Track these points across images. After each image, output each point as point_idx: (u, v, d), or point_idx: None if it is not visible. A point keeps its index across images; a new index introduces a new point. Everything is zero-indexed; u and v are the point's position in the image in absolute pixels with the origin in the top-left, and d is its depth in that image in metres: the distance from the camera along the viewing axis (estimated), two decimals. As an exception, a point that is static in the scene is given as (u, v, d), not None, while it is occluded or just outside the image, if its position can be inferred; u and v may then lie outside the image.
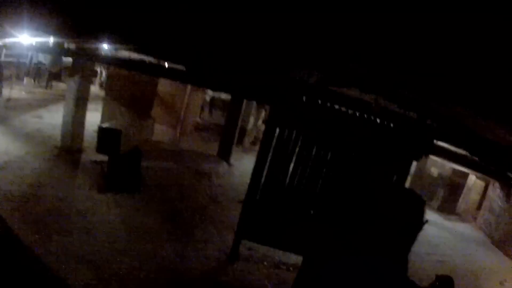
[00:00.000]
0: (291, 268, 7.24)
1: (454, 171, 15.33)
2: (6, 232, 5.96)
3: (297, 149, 6.84)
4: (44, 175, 8.85)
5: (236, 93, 11.47)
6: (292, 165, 6.92)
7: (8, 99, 14.96)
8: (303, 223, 6.68)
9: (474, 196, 16.87)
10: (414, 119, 6.47)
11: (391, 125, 6.52)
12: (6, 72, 16.90)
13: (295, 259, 7.22)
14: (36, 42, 9.71)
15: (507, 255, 11.84)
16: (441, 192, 15.92)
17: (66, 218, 7.16)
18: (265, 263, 7.35)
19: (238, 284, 6.50)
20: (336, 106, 6.75)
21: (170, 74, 10.43)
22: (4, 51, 16.48)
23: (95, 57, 10.30)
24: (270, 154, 6.87)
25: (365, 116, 6.58)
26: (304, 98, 6.64)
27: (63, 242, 6.27)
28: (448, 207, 16.04)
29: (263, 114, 23.35)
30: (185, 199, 9.82)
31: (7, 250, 5.46)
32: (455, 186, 15.96)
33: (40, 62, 22.56)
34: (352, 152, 6.69)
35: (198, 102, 20.25)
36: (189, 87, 15.94)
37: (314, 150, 6.78)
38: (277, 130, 6.80)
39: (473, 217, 16.29)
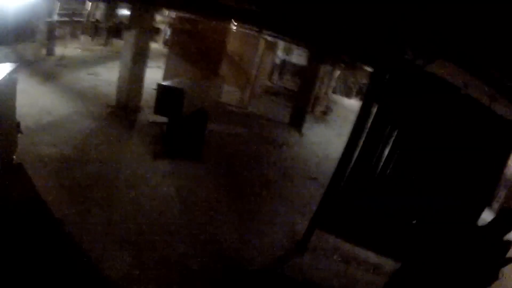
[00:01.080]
0: (361, 265, 6.22)
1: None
2: (33, 203, 5.10)
3: (395, 133, 5.56)
4: (91, 137, 7.97)
5: (333, 49, 9.83)
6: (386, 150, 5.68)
7: (61, 57, 14.29)
8: (400, 226, 5.78)
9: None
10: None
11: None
12: (60, 31, 16.18)
13: (365, 255, 6.29)
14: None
15: None
16: (502, 194, 14.34)
17: (111, 188, 6.21)
18: (335, 256, 6.28)
19: (305, 281, 5.43)
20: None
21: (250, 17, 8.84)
22: (57, 10, 16.00)
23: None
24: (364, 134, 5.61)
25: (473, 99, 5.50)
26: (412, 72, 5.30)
27: (103, 217, 5.32)
28: (507, 210, 14.70)
29: (333, 82, 21.89)
30: (252, 171, 8.77)
31: (32, 226, 4.59)
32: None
33: (97, 20, 22.14)
34: (454, 139, 5.48)
35: (269, 64, 19.08)
36: (262, 45, 14.62)
37: (416, 135, 5.53)
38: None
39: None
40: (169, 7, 11.53)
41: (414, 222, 5.69)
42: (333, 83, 22.87)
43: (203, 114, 8.36)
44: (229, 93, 14.26)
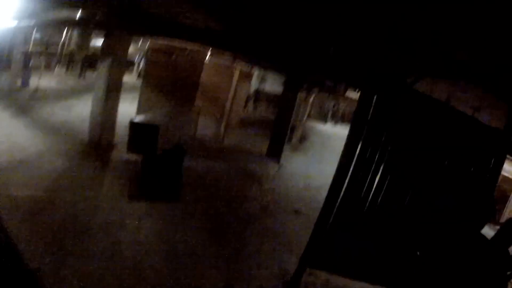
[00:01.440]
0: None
1: (504, 178, 13.85)
2: (9, 251, 4.63)
3: (385, 157, 5.31)
4: (65, 177, 7.55)
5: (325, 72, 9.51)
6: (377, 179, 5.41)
7: (36, 90, 13.93)
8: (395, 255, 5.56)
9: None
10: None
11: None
12: (35, 62, 15.88)
13: (358, 286, 5.96)
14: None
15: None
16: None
17: (86, 234, 5.80)
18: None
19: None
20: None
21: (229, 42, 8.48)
22: (32, 40, 15.68)
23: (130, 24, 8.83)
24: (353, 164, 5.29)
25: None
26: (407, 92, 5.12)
27: (79, 267, 4.91)
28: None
29: (308, 109, 21.87)
30: (233, 208, 8.38)
31: (7, 274, 4.14)
32: (502, 194, 14.64)
33: (72, 51, 21.72)
34: (446, 159, 5.32)
35: (244, 94, 18.91)
36: (236, 76, 14.44)
37: (407, 158, 5.30)
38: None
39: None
40: (142, 32, 11.19)
41: (418, 254, 5.49)
42: (307, 109, 22.88)
43: (180, 150, 8.01)
44: (205, 126, 13.96)
